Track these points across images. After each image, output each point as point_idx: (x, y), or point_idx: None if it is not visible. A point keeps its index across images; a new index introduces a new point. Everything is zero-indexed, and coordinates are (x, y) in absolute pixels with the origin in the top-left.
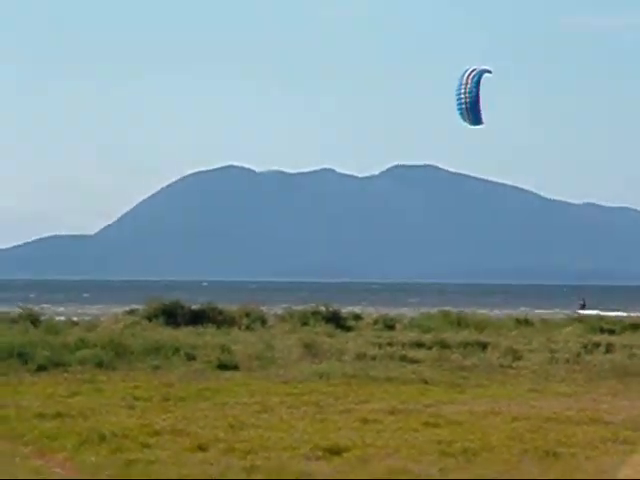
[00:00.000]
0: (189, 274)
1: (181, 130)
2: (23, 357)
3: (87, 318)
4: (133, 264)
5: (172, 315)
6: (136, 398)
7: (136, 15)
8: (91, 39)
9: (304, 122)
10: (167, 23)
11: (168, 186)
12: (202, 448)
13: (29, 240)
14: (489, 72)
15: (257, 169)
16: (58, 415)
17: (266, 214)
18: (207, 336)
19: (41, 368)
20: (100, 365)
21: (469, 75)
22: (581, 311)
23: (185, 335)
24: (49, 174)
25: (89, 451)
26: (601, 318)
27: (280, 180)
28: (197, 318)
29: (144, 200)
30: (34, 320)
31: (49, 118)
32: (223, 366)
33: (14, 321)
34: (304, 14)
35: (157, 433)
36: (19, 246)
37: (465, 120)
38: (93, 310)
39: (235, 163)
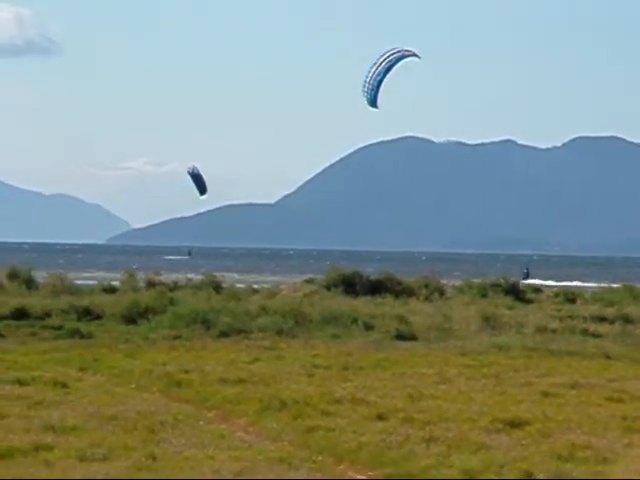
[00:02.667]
0: (366, 244)
1: (359, 101)
2: (206, 323)
3: (267, 286)
4: (312, 233)
5: (351, 285)
6: (316, 366)
7: None
8: None
9: (484, 93)
10: None
11: (347, 156)
12: (381, 417)
13: (211, 208)
14: (417, 57)
15: (435, 139)
16: (240, 381)
17: (444, 185)
18: (385, 306)
19: (223, 334)
20: (280, 333)
21: (385, 57)
22: (524, 281)
23: (363, 305)
24: (234, 141)
25: (270, 417)
26: None
27: (459, 151)
28: (375, 288)
29: (324, 170)
30: (216, 287)
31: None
32: (401, 336)
33: (197, 288)
34: None
35: (337, 401)
36: (201, 214)
37: (365, 99)
38: (273, 278)
39: (413, 134)
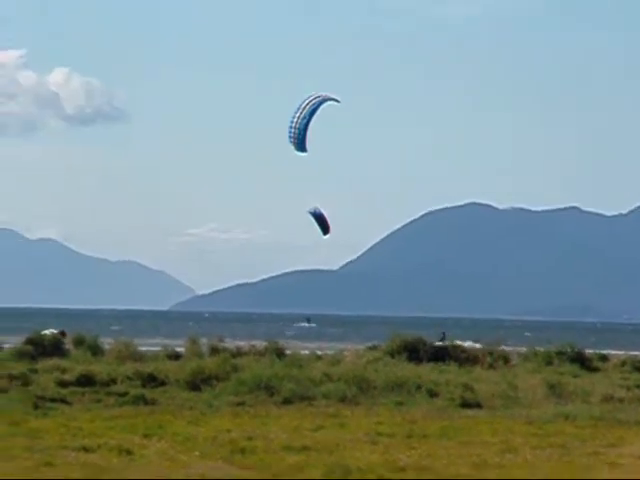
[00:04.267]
0: (430, 311)
1: (424, 167)
2: (270, 390)
3: (330, 352)
4: (374, 299)
5: (414, 351)
6: (379, 434)
7: None
8: None
9: (546, 158)
10: None
11: (411, 222)
12: None
13: (274, 274)
14: (336, 101)
15: (499, 206)
16: (304, 448)
17: (508, 252)
18: (449, 373)
19: (287, 401)
20: (343, 399)
21: (309, 102)
22: (439, 342)
23: (427, 372)
24: (297, 208)
25: None
26: None
27: (522, 217)
28: (439, 355)
29: (387, 236)
30: (279, 353)
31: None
32: (466, 404)
33: (260, 354)
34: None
35: (402, 469)
36: (265, 280)
37: (292, 145)
38: (336, 344)
39: (477, 200)
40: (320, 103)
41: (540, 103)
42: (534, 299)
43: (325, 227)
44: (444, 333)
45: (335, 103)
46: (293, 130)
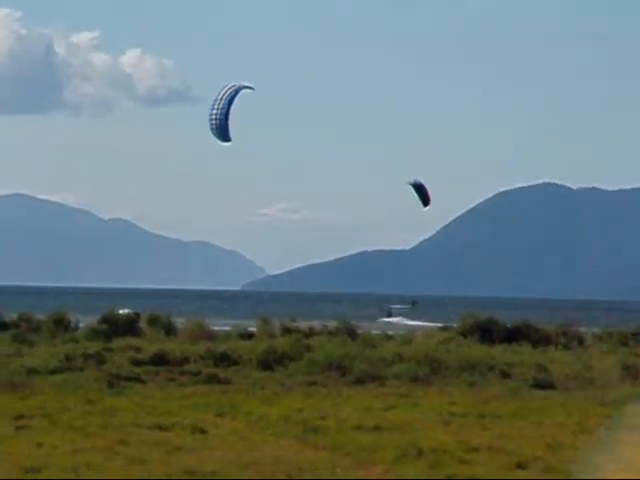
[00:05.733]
0: (501, 290)
1: (497, 146)
2: (341, 369)
3: (401, 332)
4: (447, 279)
5: (487, 332)
6: (452, 414)
7: None
8: None
9: (622, 137)
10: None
11: (484, 201)
12: (521, 466)
13: (346, 254)
14: (251, 88)
15: (573, 186)
16: (376, 428)
17: (582, 232)
18: (523, 354)
19: (359, 381)
20: (415, 380)
21: (225, 92)
22: (386, 319)
23: (500, 352)
24: (369, 187)
25: (407, 465)
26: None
27: (597, 197)
28: (512, 335)
29: (460, 215)
30: (351, 333)
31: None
32: (539, 385)
33: (332, 334)
34: None
35: (475, 449)
36: (336, 260)
37: (214, 136)
38: (407, 324)
39: (551, 180)
40: (236, 92)
41: (617, 81)
42: (606, 280)
43: (425, 198)
44: (390, 308)
45: (250, 91)
46: (214, 121)
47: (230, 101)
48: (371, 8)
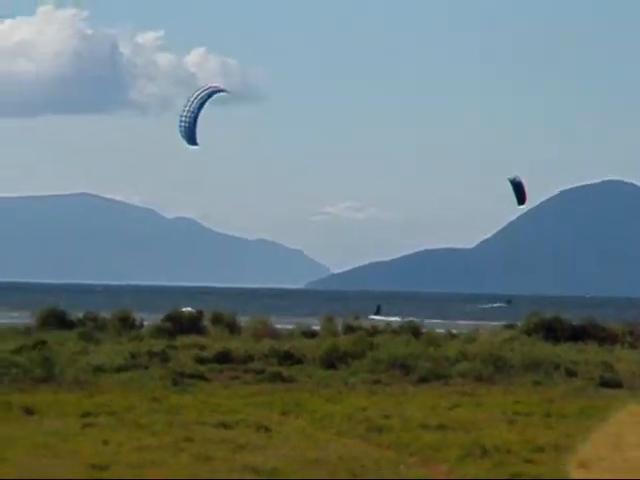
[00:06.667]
0: (566, 289)
1: (559, 144)
2: (405, 368)
3: (465, 331)
4: (510, 278)
5: (552, 330)
6: (517, 413)
7: None
8: None
9: None
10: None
11: (547, 200)
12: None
13: (409, 252)
14: (226, 92)
15: (638, 183)
16: (441, 427)
17: None
18: (588, 353)
19: (423, 379)
20: (479, 378)
21: (197, 95)
22: (374, 316)
23: (565, 351)
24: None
25: (471, 464)
26: None
27: None
28: (577, 334)
29: (524, 214)
30: (415, 332)
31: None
32: (605, 383)
33: (396, 332)
34: None
35: (540, 449)
36: (400, 258)
37: (183, 138)
38: (471, 322)
39: (615, 177)
40: (209, 96)
41: None
42: None
43: (522, 197)
44: (379, 305)
45: (225, 94)
46: (183, 124)
47: (201, 106)
48: None
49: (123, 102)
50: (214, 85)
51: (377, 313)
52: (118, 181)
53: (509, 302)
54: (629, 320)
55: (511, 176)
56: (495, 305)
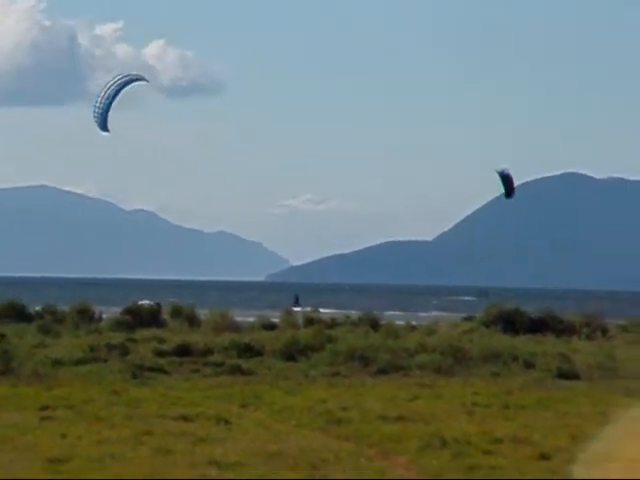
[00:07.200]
0: (523, 281)
1: (516, 137)
2: (364, 360)
3: (424, 323)
4: (468, 270)
5: (510, 322)
6: (475, 404)
7: None
8: None
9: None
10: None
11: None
12: (544, 457)
13: (369, 245)
14: (145, 81)
15: (597, 176)
16: (400, 418)
17: (605, 221)
18: (546, 344)
19: (382, 371)
20: (439, 370)
21: (114, 82)
22: (294, 308)
23: (523, 343)
24: (394, 178)
25: (431, 455)
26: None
27: (621, 187)
28: (536, 326)
29: (482, 206)
30: (374, 324)
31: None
32: (563, 375)
33: (354, 324)
34: None
35: (498, 440)
36: (360, 251)
37: (96, 123)
38: (430, 314)
39: (574, 170)
40: (126, 84)
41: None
42: (632, 269)
43: (510, 189)
44: (297, 295)
45: (145, 83)
46: (97, 110)
47: (116, 93)
48: None
49: (81, 94)
50: (134, 74)
51: (295, 304)
52: (77, 173)
53: (486, 294)
54: (587, 312)
55: (499, 168)
56: (473, 298)
